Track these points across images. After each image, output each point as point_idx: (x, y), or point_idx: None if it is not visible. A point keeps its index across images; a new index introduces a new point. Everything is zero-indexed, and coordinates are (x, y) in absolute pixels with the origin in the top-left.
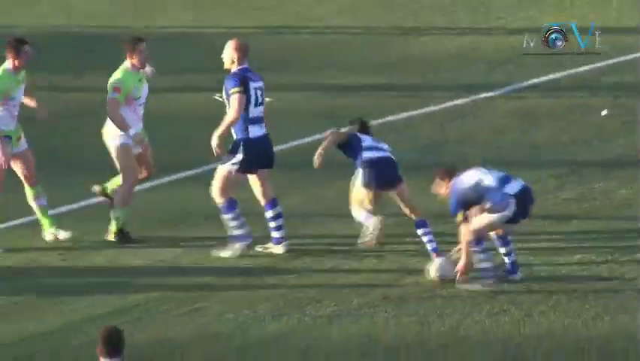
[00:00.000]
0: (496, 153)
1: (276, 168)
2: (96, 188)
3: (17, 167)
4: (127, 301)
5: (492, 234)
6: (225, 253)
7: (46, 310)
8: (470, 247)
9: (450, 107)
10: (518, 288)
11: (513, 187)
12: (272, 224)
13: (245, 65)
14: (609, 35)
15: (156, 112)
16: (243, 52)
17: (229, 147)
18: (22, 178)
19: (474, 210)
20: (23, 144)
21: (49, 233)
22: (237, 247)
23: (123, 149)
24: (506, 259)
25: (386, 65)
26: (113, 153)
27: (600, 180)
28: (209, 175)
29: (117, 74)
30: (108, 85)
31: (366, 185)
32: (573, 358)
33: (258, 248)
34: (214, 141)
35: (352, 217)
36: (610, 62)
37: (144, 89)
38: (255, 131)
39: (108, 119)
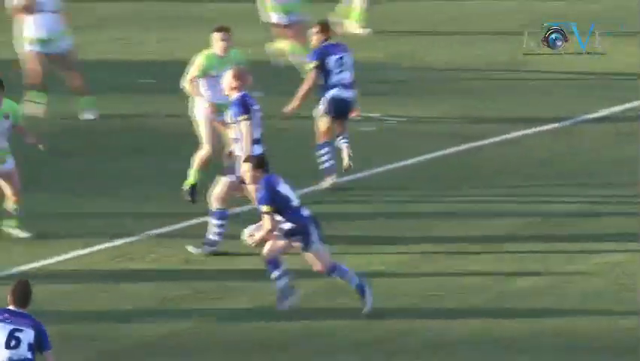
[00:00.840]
0: (596, 167)
1: (406, 181)
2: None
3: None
4: (266, 293)
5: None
6: (194, 250)
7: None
8: (270, 263)
9: (556, 128)
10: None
11: (306, 212)
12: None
13: (245, 92)
14: None
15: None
16: (242, 80)
17: (232, 163)
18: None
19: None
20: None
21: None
22: (207, 249)
23: (205, 121)
24: (353, 286)
25: (498, 91)
26: (197, 125)
27: None
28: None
29: (199, 56)
30: (191, 64)
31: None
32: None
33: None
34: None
35: (469, 222)
36: None
37: (225, 69)
38: (256, 150)
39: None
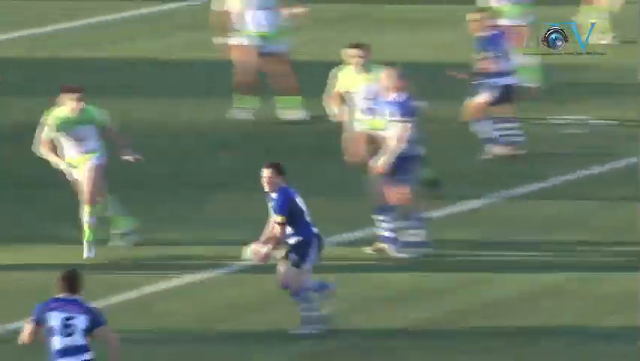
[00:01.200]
0: None
1: (613, 183)
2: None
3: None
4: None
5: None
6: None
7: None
8: (299, 290)
9: None
10: None
11: (314, 230)
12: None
13: (406, 93)
14: None
15: None
16: (404, 81)
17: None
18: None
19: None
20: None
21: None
22: (413, 251)
23: (349, 134)
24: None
25: None
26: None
27: None
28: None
29: (338, 73)
30: (332, 78)
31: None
32: None
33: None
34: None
35: None
36: None
37: (364, 88)
38: (411, 150)
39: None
